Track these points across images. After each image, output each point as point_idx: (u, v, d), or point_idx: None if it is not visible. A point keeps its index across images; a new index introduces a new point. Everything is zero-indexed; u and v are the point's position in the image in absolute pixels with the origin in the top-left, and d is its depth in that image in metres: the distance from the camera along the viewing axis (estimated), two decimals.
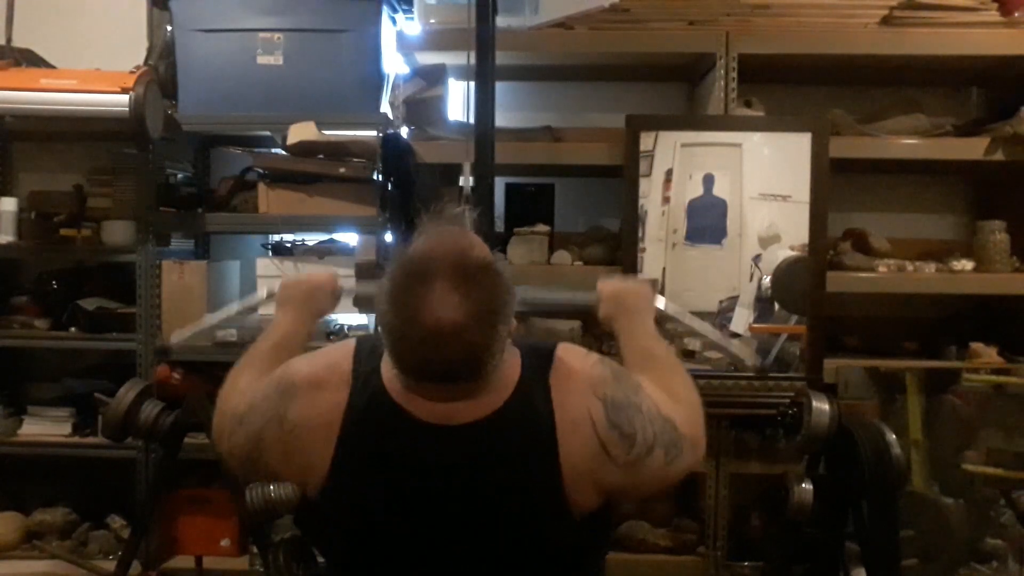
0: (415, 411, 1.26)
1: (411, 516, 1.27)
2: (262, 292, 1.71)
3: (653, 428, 1.31)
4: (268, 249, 3.31)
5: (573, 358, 1.34)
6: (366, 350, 1.35)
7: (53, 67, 3.24)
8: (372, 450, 1.27)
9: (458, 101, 3.23)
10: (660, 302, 1.68)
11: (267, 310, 1.58)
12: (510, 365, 1.30)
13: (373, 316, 2.75)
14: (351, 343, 1.37)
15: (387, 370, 1.29)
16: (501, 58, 2.42)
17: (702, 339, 1.87)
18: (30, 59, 3.20)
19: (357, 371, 1.31)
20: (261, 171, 3.10)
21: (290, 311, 1.59)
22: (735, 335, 3.04)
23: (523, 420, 1.26)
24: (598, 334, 3.07)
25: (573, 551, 1.33)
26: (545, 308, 2.81)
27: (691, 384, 1.48)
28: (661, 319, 1.68)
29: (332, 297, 1.65)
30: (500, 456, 1.25)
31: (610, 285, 1.63)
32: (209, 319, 1.83)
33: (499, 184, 3.15)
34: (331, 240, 3.28)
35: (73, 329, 3.19)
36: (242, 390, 1.42)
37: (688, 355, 2.99)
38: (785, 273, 2.91)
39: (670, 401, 1.38)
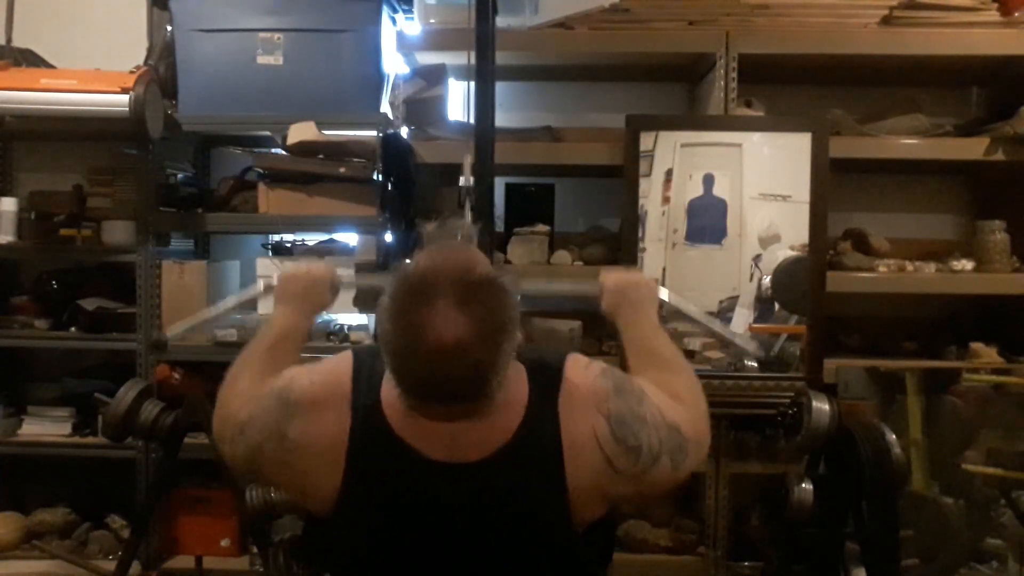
0: (423, 448, 1.24)
1: (420, 549, 1.27)
2: (259, 286, 1.68)
3: (659, 436, 1.29)
4: (268, 249, 3.32)
5: (577, 373, 1.31)
6: (365, 369, 1.32)
7: (53, 67, 3.24)
8: (380, 489, 1.26)
9: (458, 101, 3.23)
10: (664, 294, 1.65)
11: (266, 308, 1.56)
12: (517, 384, 1.27)
13: (373, 316, 2.73)
14: (349, 359, 1.34)
15: (388, 395, 1.26)
16: (501, 58, 2.42)
17: (707, 331, 1.81)
18: (30, 59, 3.20)
19: (357, 396, 1.28)
20: (261, 171, 3.10)
21: (288, 307, 1.55)
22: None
23: (533, 453, 1.24)
24: (599, 335, 3.08)
25: (577, 564, 1.33)
26: (546, 299, 2.78)
27: (694, 382, 1.46)
28: (665, 313, 1.65)
29: (331, 291, 1.61)
30: (510, 491, 1.25)
31: (613, 276, 1.59)
32: (204, 313, 1.78)
33: (499, 184, 3.15)
34: (331, 240, 3.28)
35: (73, 329, 3.19)
36: (241, 393, 1.40)
37: (688, 355, 2.99)
38: (785, 273, 2.91)
39: (673, 403, 1.36)
